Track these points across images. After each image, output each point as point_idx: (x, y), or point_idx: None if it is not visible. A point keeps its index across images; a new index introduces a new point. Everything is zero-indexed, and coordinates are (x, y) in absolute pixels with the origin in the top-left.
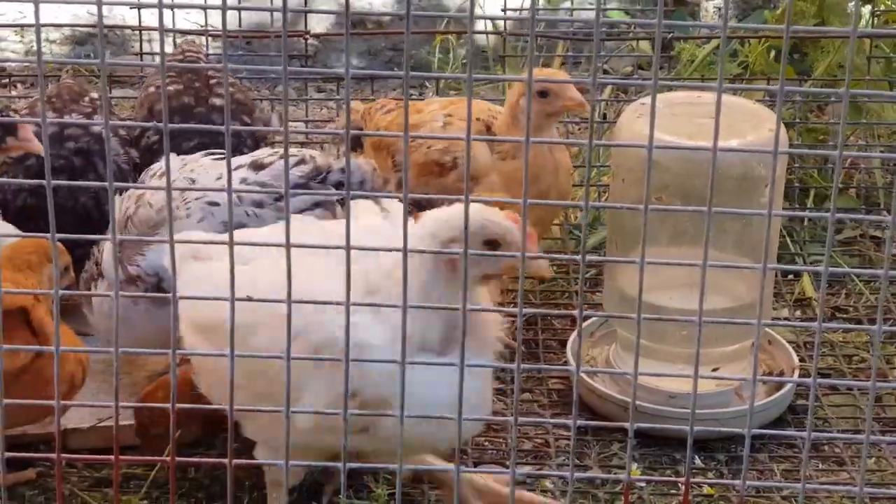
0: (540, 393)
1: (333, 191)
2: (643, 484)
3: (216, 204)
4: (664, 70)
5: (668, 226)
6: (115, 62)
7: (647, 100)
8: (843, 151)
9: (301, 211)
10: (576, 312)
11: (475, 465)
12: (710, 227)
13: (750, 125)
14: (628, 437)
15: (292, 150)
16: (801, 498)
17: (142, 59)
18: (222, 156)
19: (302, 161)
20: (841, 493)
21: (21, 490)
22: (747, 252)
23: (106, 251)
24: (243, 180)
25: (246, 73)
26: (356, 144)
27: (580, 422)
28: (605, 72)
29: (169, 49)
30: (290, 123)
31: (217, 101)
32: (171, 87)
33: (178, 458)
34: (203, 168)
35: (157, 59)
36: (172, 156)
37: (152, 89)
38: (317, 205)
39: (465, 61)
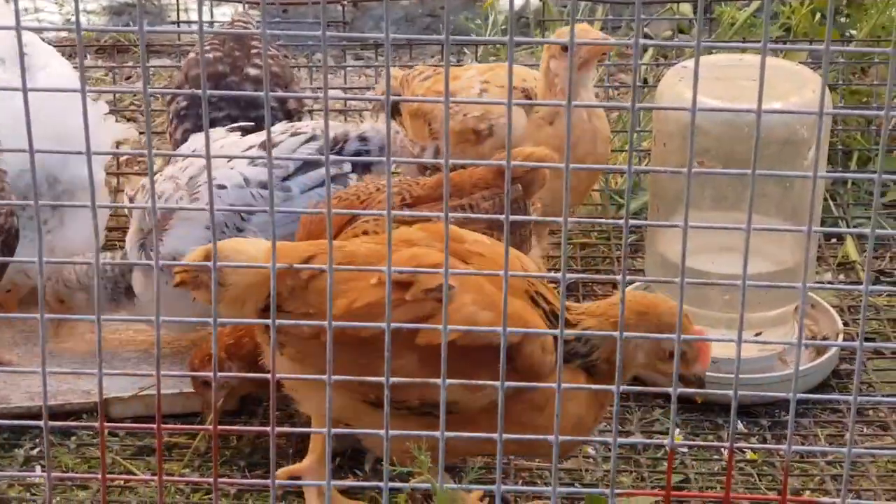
0: None
1: (348, 162)
2: (685, 449)
3: (223, 187)
4: (705, 33)
5: (710, 190)
6: (153, 30)
7: (689, 63)
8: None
9: (311, 189)
10: (618, 278)
11: None
12: (754, 191)
13: (793, 87)
14: (671, 403)
15: (304, 126)
16: (847, 462)
17: (179, 28)
18: (240, 132)
19: (312, 138)
20: (886, 458)
21: (64, 458)
22: (789, 216)
23: (128, 238)
24: (252, 161)
25: (283, 40)
26: (394, 112)
27: (623, 387)
28: (646, 36)
29: (206, 18)
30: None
31: (252, 72)
32: (209, 55)
33: (220, 427)
34: (220, 150)
35: (196, 26)
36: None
37: (192, 55)
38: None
39: (504, 27)
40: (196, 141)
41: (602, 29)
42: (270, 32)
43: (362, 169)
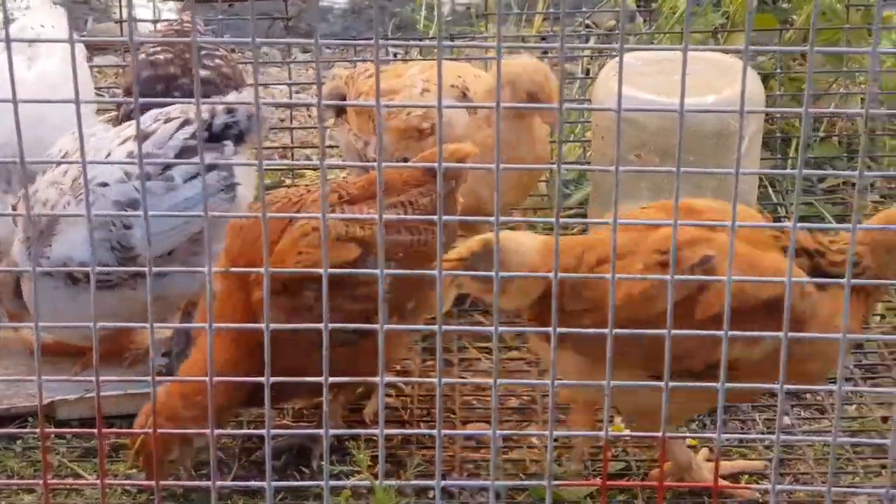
0: (527, 350)
1: (230, 145)
2: (628, 438)
3: (106, 184)
4: (646, 23)
5: (647, 182)
6: (82, 39)
7: (627, 57)
8: (811, 108)
9: (194, 177)
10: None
11: (464, 423)
12: (679, 188)
13: (727, 80)
14: (605, 395)
15: (175, 112)
16: (776, 449)
17: (121, 26)
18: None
19: (186, 122)
20: (823, 442)
21: (10, 462)
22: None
23: (14, 248)
24: (130, 153)
25: (228, 38)
26: (341, 109)
27: (568, 382)
28: (588, 26)
29: (149, 15)
30: (275, 86)
31: (203, 73)
32: (161, 56)
33: (160, 431)
34: (94, 148)
35: (139, 27)
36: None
37: (143, 56)
38: (211, 168)
39: (449, 18)
40: (65, 142)
41: (545, 20)
42: (207, 40)
43: (236, 139)
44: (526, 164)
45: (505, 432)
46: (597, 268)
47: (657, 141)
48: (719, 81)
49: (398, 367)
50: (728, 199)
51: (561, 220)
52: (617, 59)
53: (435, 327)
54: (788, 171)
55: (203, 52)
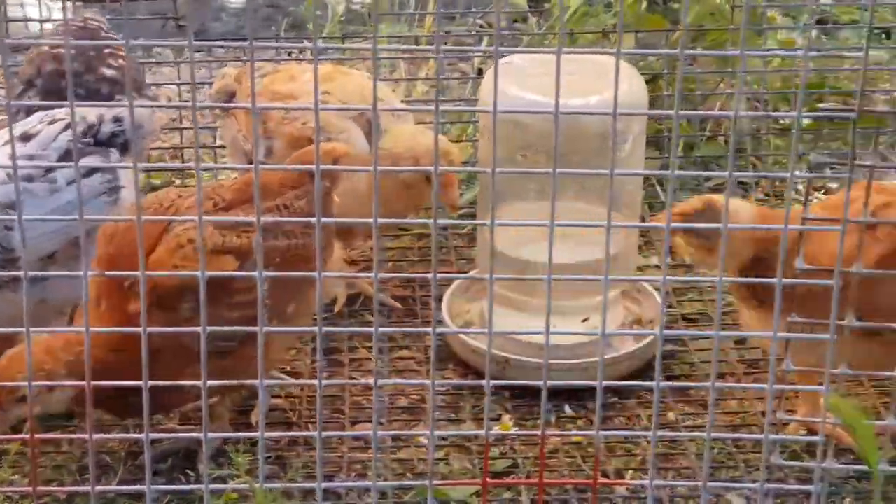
0: (417, 349)
1: (115, 153)
2: (515, 435)
3: None
4: (539, 23)
5: (534, 183)
6: None
7: (513, 59)
8: (681, 110)
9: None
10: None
11: (353, 423)
12: (556, 188)
13: (609, 82)
14: (485, 394)
15: (61, 113)
16: (653, 445)
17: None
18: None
19: (70, 125)
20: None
21: None
22: (616, 204)
23: None
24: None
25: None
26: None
27: (449, 381)
28: (482, 26)
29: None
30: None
31: (107, 72)
32: (64, 50)
33: (37, 436)
34: None
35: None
36: None
37: (46, 48)
38: (94, 170)
39: (343, 18)
40: None
41: (434, 20)
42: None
43: (122, 149)
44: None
45: (386, 433)
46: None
47: (542, 142)
48: (602, 82)
49: (288, 368)
50: (616, 199)
51: (439, 221)
52: (504, 60)
53: (315, 329)
54: (661, 172)
55: (107, 52)
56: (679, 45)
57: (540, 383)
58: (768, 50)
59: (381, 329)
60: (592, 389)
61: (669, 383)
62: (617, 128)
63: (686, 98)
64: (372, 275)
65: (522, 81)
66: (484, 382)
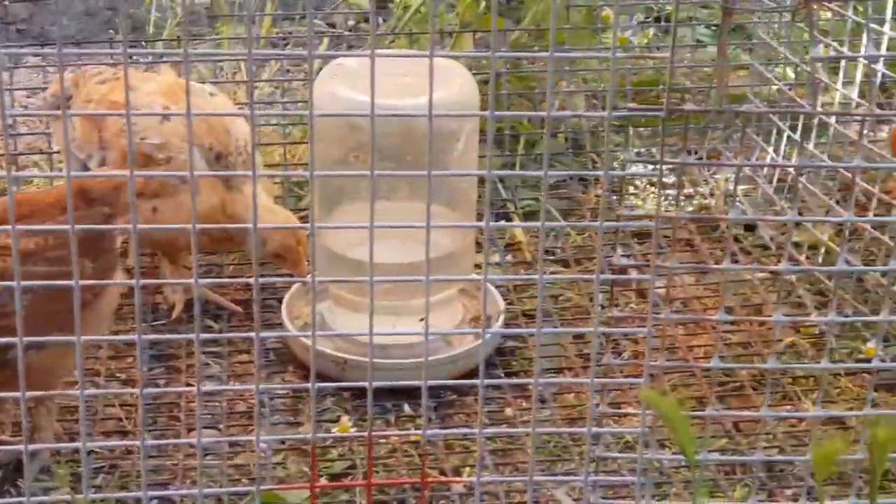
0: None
1: None
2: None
3: None
4: (379, 26)
5: (367, 183)
6: None
7: (344, 61)
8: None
9: None
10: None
11: (189, 430)
12: (374, 190)
13: (441, 82)
14: (311, 396)
15: None
16: (479, 442)
17: None
18: None
19: None
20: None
21: None
22: (450, 203)
23: None
24: None
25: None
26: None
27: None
28: (330, 25)
29: None
30: None
31: None
32: None
33: None
34: None
35: None
36: None
37: None
38: None
39: (183, 20)
40: None
41: (273, 21)
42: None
43: None
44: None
45: (209, 440)
46: None
47: (378, 141)
48: (439, 83)
49: (123, 377)
50: (452, 196)
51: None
52: (334, 63)
53: (134, 337)
54: (477, 172)
55: None
56: (492, 47)
57: (360, 384)
58: (571, 51)
59: (201, 335)
60: (432, 388)
61: (494, 380)
62: (451, 127)
63: (526, 97)
64: (193, 280)
65: (354, 83)
66: (310, 385)
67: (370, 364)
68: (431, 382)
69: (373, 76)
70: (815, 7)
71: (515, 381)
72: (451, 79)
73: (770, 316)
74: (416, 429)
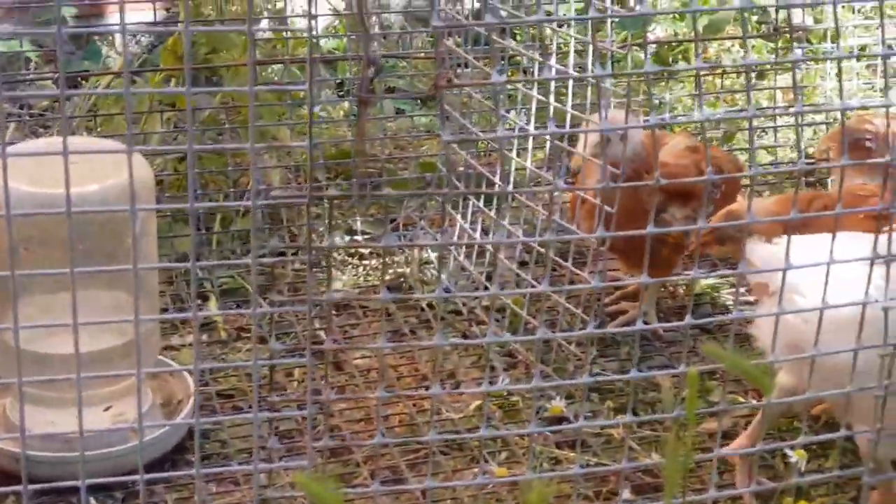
0: None
1: None
2: None
3: None
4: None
5: (42, 277)
6: None
7: (25, 145)
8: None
9: None
10: None
11: None
12: (15, 288)
13: (113, 168)
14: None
15: None
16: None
17: None
18: None
19: None
20: None
21: None
22: (126, 288)
23: None
24: None
25: None
26: None
27: None
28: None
29: None
30: None
31: None
32: None
33: None
34: None
35: None
36: None
37: None
38: None
39: None
40: None
41: None
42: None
43: None
44: None
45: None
46: None
47: (42, 234)
48: (107, 168)
49: None
50: (127, 283)
51: None
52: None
53: None
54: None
55: None
56: (128, 141)
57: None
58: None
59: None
60: (118, 477)
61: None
62: (122, 214)
63: (226, 174)
64: None
65: (14, 172)
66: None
67: (23, 459)
68: (90, 481)
69: (67, 169)
70: (446, 91)
71: (174, 472)
72: (123, 166)
73: (463, 380)
74: None
